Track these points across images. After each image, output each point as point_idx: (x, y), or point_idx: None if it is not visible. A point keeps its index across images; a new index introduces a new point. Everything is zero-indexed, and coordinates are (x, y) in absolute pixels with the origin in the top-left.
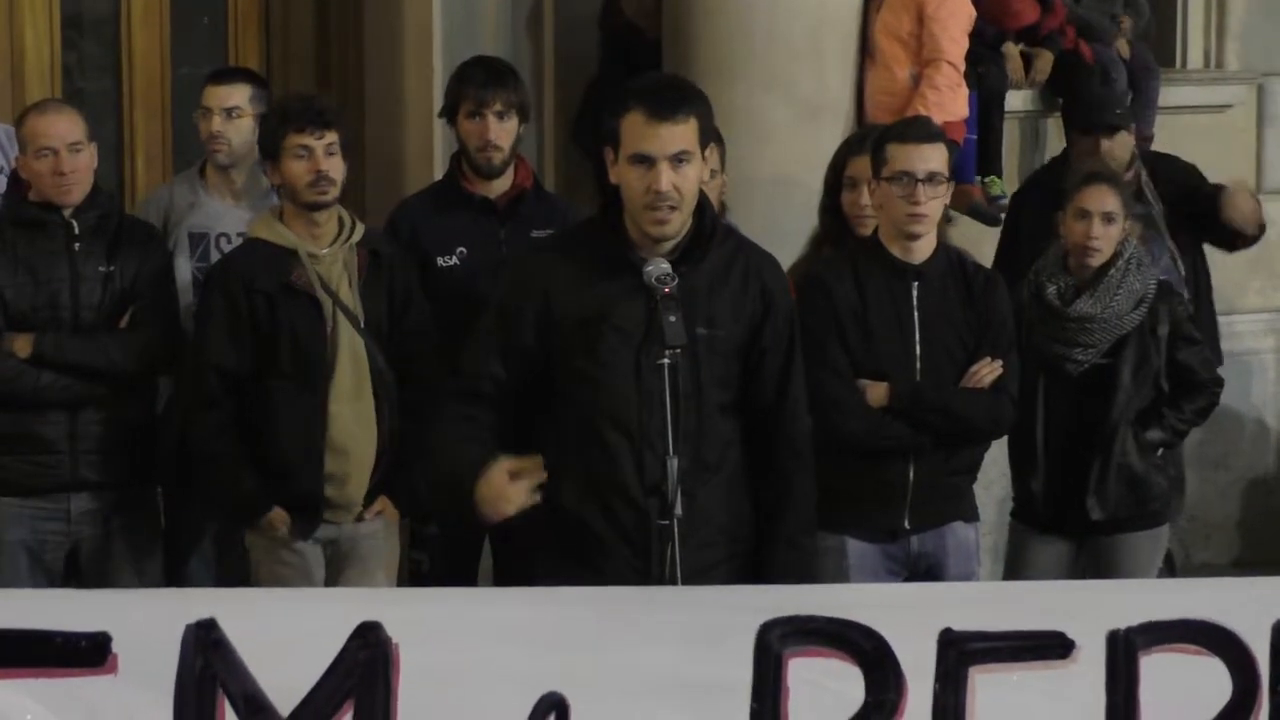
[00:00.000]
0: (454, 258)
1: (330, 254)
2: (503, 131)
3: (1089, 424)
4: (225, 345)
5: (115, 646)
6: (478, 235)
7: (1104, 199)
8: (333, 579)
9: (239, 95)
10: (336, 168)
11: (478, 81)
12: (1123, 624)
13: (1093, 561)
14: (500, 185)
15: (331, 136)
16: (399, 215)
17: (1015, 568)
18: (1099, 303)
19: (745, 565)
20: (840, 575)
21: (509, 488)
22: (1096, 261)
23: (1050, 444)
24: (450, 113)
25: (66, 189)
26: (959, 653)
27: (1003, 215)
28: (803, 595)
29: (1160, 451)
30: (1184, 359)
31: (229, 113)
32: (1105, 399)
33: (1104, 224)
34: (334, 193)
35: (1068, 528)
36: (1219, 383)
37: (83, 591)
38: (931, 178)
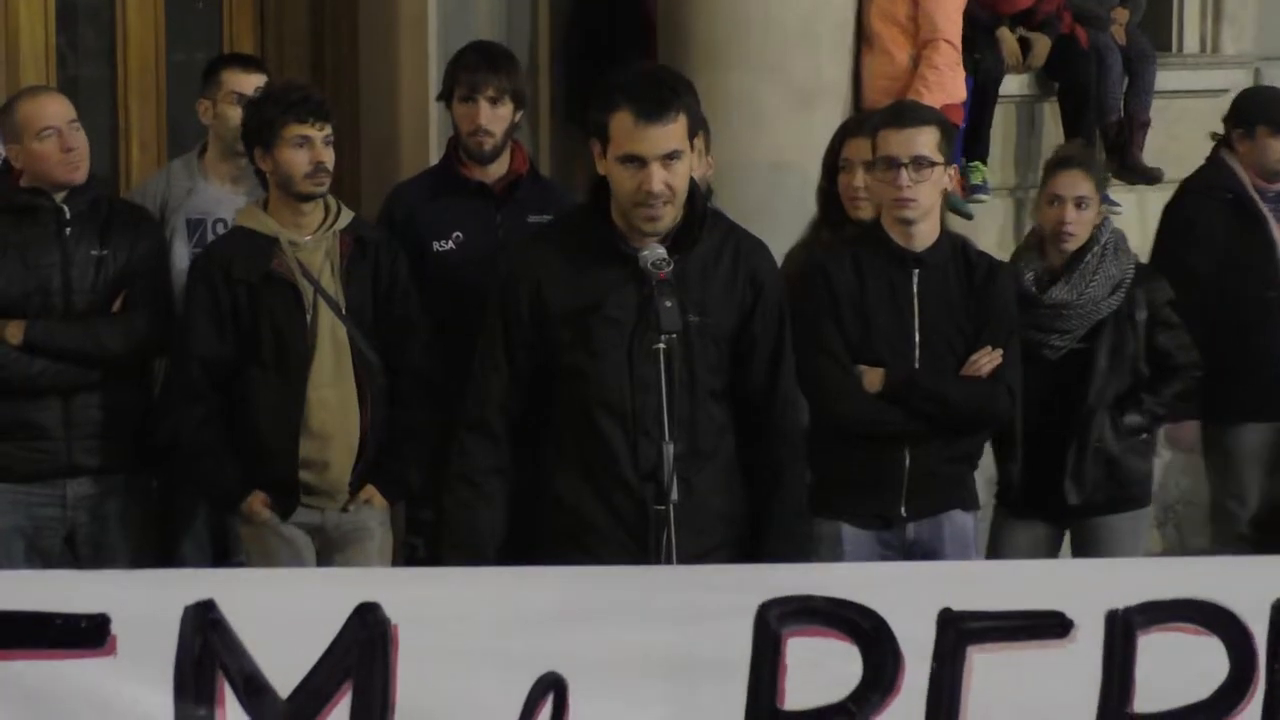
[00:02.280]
0: (450, 243)
1: (313, 241)
2: (495, 117)
3: (1066, 409)
4: (209, 335)
5: (114, 628)
6: (474, 220)
7: (1076, 184)
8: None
9: (262, 81)
10: (331, 159)
11: (471, 66)
12: (1122, 604)
13: (1075, 545)
14: (496, 170)
15: (329, 128)
16: (394, 199)
17: (995, 551)
18: (1074, 289)
19: (740, 551)
20: (835, 561)
21: None
22: (1071, 246)
23: (1028, 429)
24: (447, 97)
25: (74, 165)
26: (958, 632)
27: (972, 202)
28: (801, 575)
29: (1144, 435)
30: (1161, 343)
31: None
32: (1082, 384)
33: (1076, 209)
34: (328, 184)
35: (1047, 512)
36: (1198, 366)
37: (82, 572)
38: (916, 162)
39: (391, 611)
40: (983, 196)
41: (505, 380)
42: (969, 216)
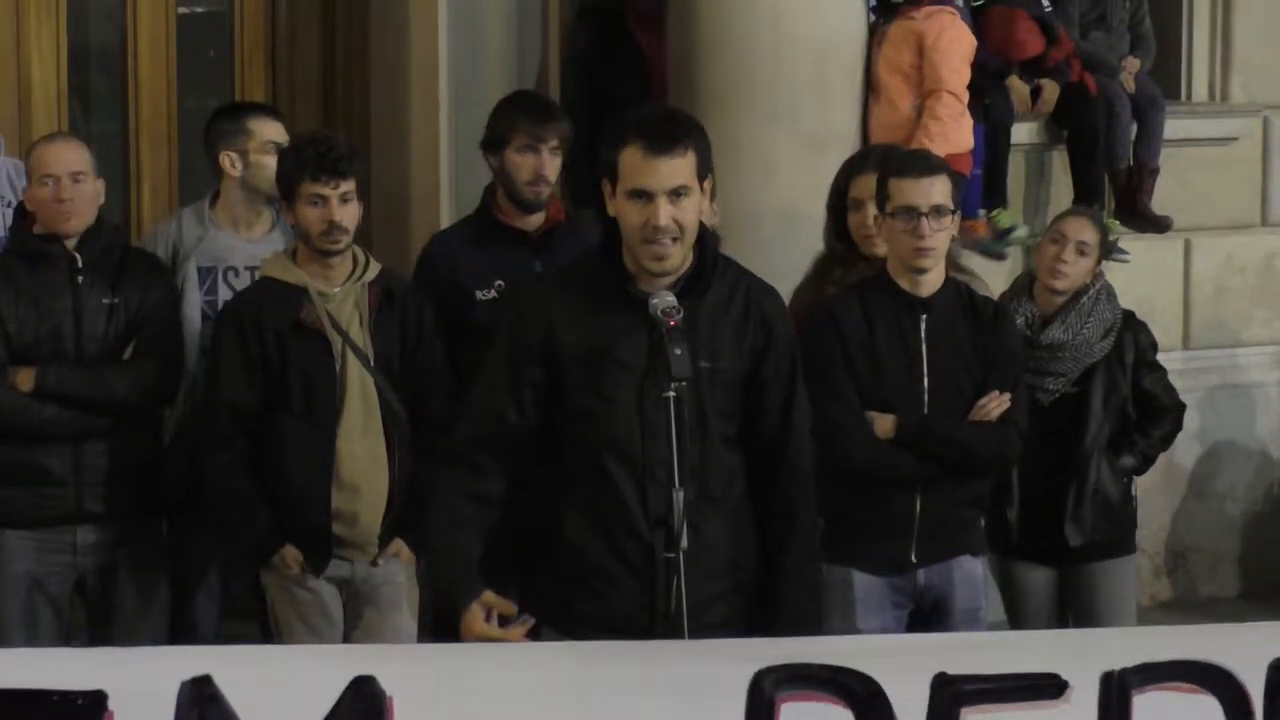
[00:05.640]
0: (493, 291)
1: (341, 292)
2: (553, 166)
3: (1062, 452)
4: (238, 382)
5: (111, 704)
6: (515, 268)
7: (1082, 229)
8: (352, 621)
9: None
10: (350, 215)
11: (534, 117)
12: (1117, 665)
13: (1068, 591)
14: (535, 218)
15: (347, 185)
16: (435, 249)
17: (1006, 596)
18: (1069, 329)
19: (750, 596)
20: (846, 608)
21: (485, 629)
22: (1061, 285)
23: (1024, 473)
24: (496, 145)
25: (65, 216)
26: (952, 694)
27: (1008, 249)
28: (799, 646)
29: (1130, 479)
30: (1148, 386)
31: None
32: (1077, 427)
33: (1076, 253)
34: (346, 240)
35: (1045, 556)
36: (1181, 408)
37: (78, 650)
38: (936, 211)
39: (387, 685)
40: (1020, 233)
41: (502, 410)
42: (1004, 258)
